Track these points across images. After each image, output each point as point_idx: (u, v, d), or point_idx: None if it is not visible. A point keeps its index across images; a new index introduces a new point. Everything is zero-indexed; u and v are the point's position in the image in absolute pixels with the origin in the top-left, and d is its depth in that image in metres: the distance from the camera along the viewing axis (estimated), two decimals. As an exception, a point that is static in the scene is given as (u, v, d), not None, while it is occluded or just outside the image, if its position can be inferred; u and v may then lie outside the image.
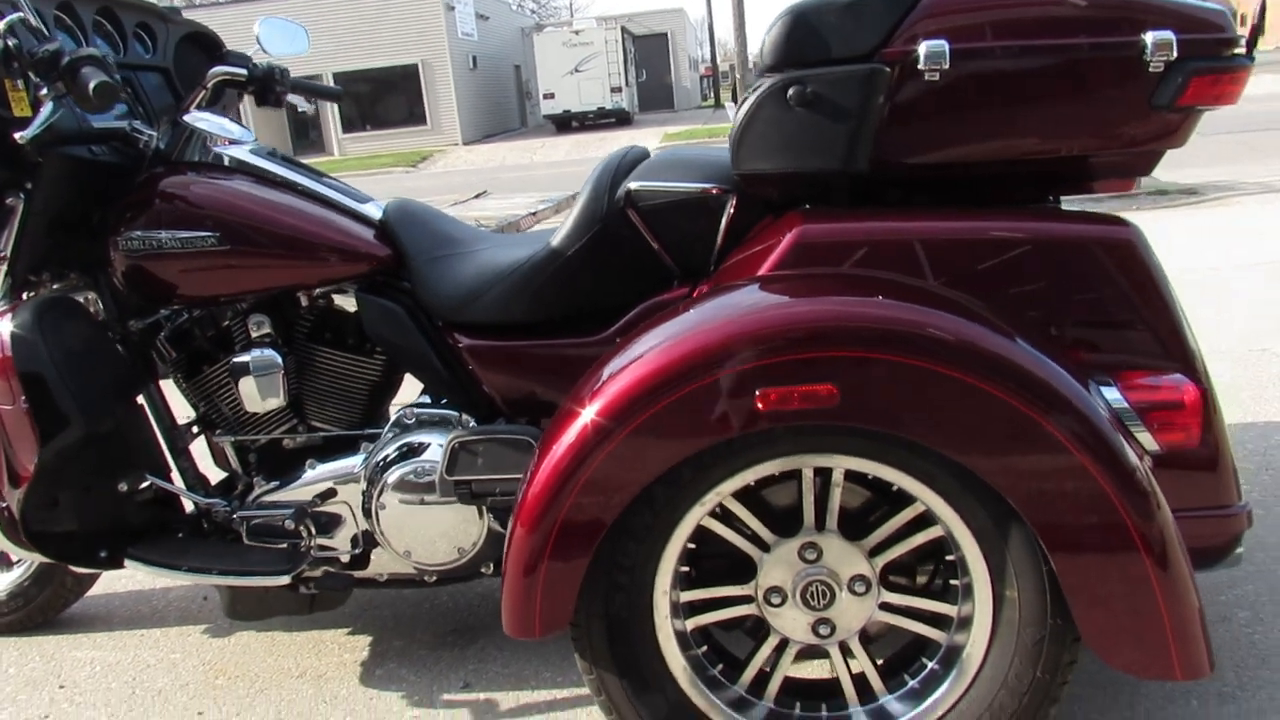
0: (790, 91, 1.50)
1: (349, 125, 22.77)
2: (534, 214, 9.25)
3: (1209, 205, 6.92)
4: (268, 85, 2.25)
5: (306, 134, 23.71)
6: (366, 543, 1.95)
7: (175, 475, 2.10)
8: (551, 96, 24.29)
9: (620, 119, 24.62)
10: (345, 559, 1.96)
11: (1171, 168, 8.37)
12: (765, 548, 1.47)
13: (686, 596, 1.50)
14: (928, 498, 1.38)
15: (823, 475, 1.43)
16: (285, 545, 1.96)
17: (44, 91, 1.76)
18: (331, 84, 2.73)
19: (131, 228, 1.88)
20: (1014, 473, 1.28)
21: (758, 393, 1.29)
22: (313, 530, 1.95)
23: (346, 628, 2.22)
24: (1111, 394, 1.35)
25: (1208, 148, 9.78)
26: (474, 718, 1.85)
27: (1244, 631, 1.88)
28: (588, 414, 1.37)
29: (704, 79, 39.39)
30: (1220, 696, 1.70)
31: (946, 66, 1.43)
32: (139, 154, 2.01)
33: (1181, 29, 1.41)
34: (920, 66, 1.43)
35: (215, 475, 2.15)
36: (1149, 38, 1.40)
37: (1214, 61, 1.44)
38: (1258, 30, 1.53)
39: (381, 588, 1.99)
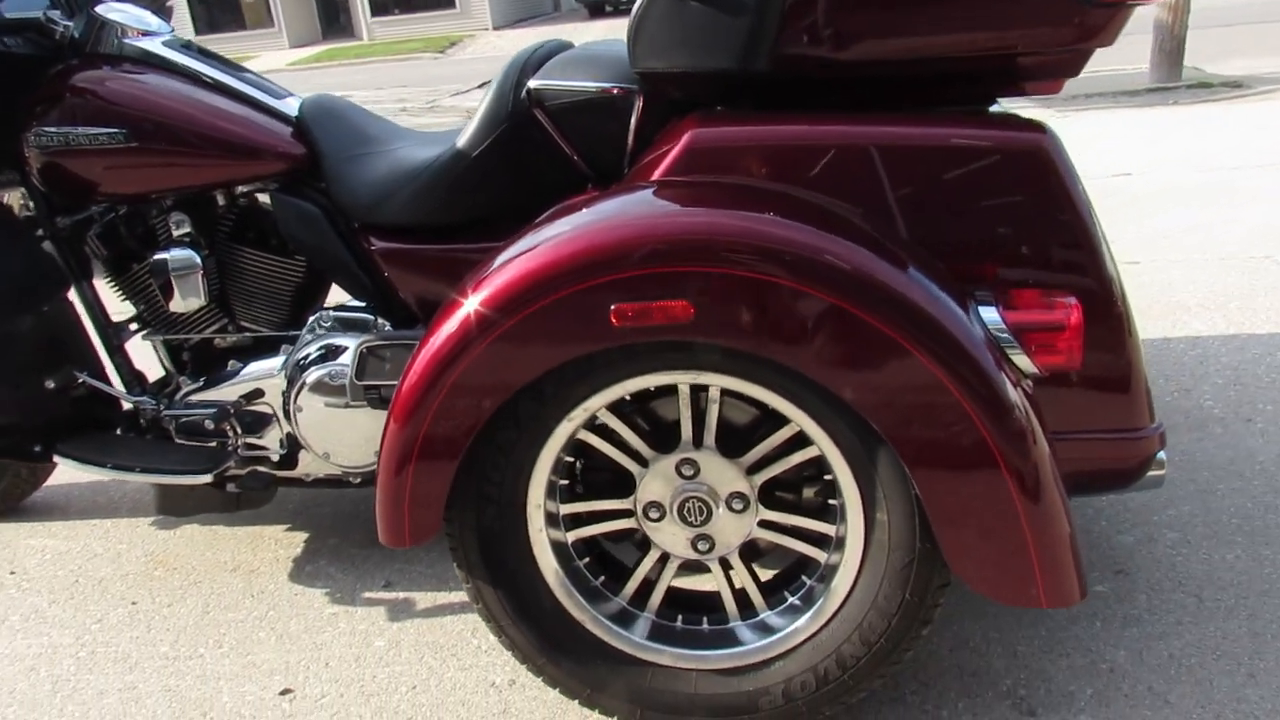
0: (685, -17, 1.41)
1: (378, 9, 22.23)
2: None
3: (1253, 99, 6.57)
4: None
5: (336, 18, 23.28)
6: (292, 443, 1.96)
7: (112, 372, 2.12)
8: (585, -22, 23.45)
9: (658, 2, 23.72)
10: (274, 458, 1.98)
11: (1221, 57, 7.97)
12: (643, 463, 1.45)
13: (567, 509, 1.49)
14: (799, 418, 1.34)
15: (700, 391, 1.40)
16: (214, 444, 1.98)
17: None
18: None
19: (42, 123, 1.85)
20: (876, 395, 1.23)
21: (612, 308, 1.24)
22: (239, 430, 1.96)
23: (286, 524, 2.26)
24: (990, 314, 1.28)
25: (1271, 38, 9.26)
26: (389, 616, 1.88)
27: (1167, 554, 1.83)
28: (447, 327, 1.33)
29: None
30: (1126, 619, 1.68)
31: (847, -44, 1.33)
32: (57, 45, 1.96)
33: (1108, -85, 1.30)
34: (822, -44, 1.33)
35: (156, 373, 2.16)
36: (1072, -74, 1.29)
37: (1141, -48, 1.32)
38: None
39: (308, 487, 2.01)
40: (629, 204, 1.33)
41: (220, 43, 22.52)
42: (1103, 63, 8.08)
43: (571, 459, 1.49)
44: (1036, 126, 1.43)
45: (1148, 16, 7.51)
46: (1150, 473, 1.51)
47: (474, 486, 1.43)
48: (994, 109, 1.56)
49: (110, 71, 1.88)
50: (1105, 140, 5.59)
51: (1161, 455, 1.52)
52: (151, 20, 1.97)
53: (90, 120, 1.83)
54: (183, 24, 22.58)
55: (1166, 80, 7.21)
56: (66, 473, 2.54)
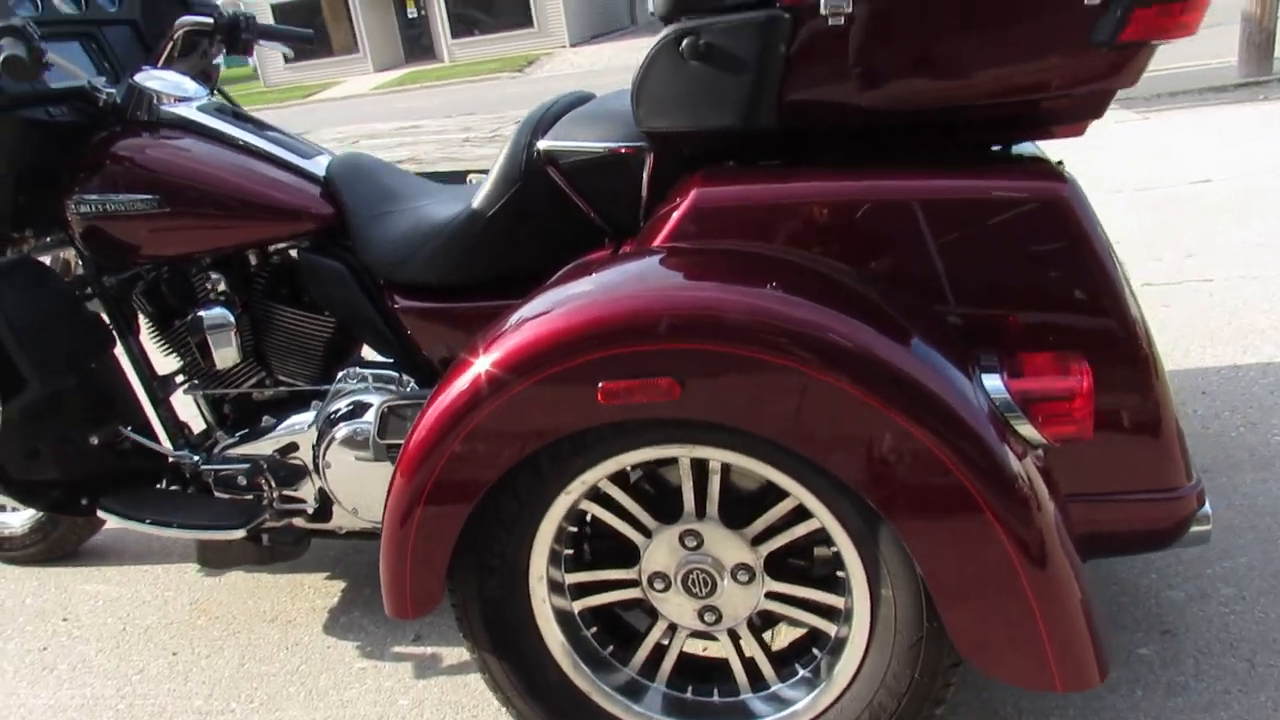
0: (683, 43, 1.39)
1: (458, 31, 22.69)
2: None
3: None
4: (234, 32, 2.24)
5: (419, 41, 23.84)
6: (324, 497, 1.98)
7: (158, 427, 2.17)
8: (661, -10, 23.49)
9: (734, 12, 23.64)
10: (309, 511, 2.01)
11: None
12: (647, 533, 1.42)
13: (573, 578, 1.47)
14: (798, 492, 1.30)
15: (702, 462, 1.36)
16: (250, 498, 2.02)
17: None
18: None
19: (80, 190, 1.91)
20: (871, 473, 1.18)
21: (600, 385, 1.22)
22: (274, 483, 1.99)
23: (326, 572, 2.29)
24: (994, 383, 1.22)
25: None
26: (416, 671, 1.89)
27: (1220, 612, 1.73)
28: (447, 393, 1.33)
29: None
30: (1170, 687, 1.58)
31: (849, 9, 1.29)
32: (100, 111, 2.03)
33: (1119, -47, 1.23)
34: (822, 11, 1.29)
35: (200, 426, 2.21)
36: (1082, -34, 1.23)
37: (1160, -10, 1.25)
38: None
39: (342, 539, 2.04)
40: (621, 276, 1.31)
41: (308, 69, 23.24)
42: (1188, 57, 7.76)
43: (576, 528, 1.48)
44: (1056, 174, 1.37)
45: (1234, 7, 7.20)
46: (1194, 529, 1.44)
47: (475, 557, 1.42)
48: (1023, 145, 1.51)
49: (147, 139, 1.94)
50: (1186, 142, 5.36)
51: (1206, 509, 1.44)
52: (189, 86, 2.02)
53: (127, 187, 1.88)
54: (272, 51, 23.37)
55: (1256, 74, 6.89)
56: (126, 516, 2.63)
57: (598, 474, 1.35)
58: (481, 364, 1.30)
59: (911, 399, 1.15)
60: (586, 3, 24.04)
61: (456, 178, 3.62)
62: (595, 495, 1.42)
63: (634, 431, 1.30)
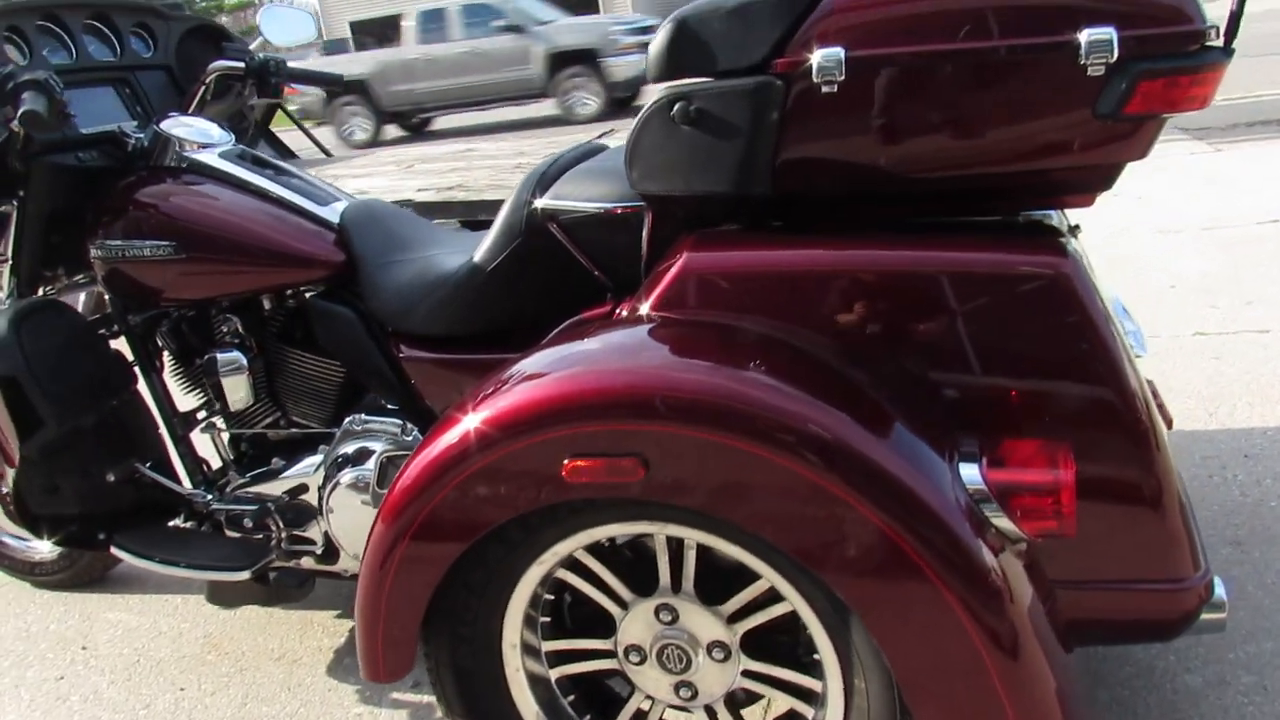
0: (675, 108, 1.37)
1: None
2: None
3: None
4: (265, 77, 2.28)
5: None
6: (330, 540, 1.99)
7: (177, 463, 2.21)
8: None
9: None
10: (318, 552, 2.02)
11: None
12: (623, 604, 1.39)
13: (550, 646, 1.45)
14: (769, 575, 1.26)
15: (678, 538, 1.34)
16: (259, 538, 2.04)
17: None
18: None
19: (104, 234, 1.96)
20: (836, 562, 1.14)
21: (565, 462, 1.21)
22: (281, 525, 2.01)
23: (337, 610, 2.30)
24: (971, 473, 1.18)
25: None
26: (411, 719, 1.89)
27: (1238, 702, 1.64)
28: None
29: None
30: (1178, 783, 1.51)
31: (842, 78, 1.27)
32: (128, 156, 2.08)
33: (1125, 24, 1.18)
34: (815, 78, 1.27)
35: (218, 464, 2.24)
36: (1084, 36, 1.19)
37: (1167, 62, 1.21)
38: (1237, 16, 1.27)
39: (348, 581, 2.05)
40: (593, 351, 1.30)
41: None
42: (1271, 84, 7.49)
43: (553, 596, 1.46)
44: (1056, 247, 1.32)
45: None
46: (1206, 616, 1.37)
47: (448, 624, 1.41)
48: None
49: (168, 185, 1.97)
50: (1259, 178, 5.16)
51: (1220, 596, 1.37)
52: (214, 132, 2.07)
53: (146, 233, 1.92)
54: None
55: (1340, 107, 6.62)
56: (154, 543, 2.68)
57: (570, 545, 1.34)
58: (460, 428, 1.30)
59: (882, 491, 1.12)
60: (652, 11, 24.14)
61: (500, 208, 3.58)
62: (571, 564, 1.40)
63: (605, 507, 1.28)
